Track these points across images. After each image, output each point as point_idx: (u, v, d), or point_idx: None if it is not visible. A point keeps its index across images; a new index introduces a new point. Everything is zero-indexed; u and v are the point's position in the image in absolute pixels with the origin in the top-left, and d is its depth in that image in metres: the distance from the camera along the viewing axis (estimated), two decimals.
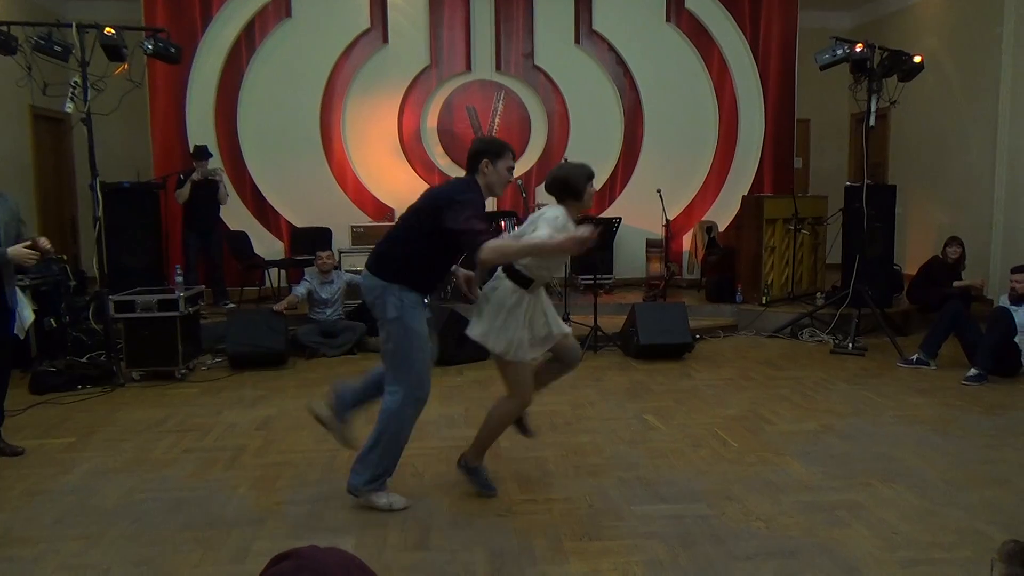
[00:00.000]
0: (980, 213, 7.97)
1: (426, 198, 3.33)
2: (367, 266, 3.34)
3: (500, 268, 3.32)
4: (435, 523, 3.18)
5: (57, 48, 5.66)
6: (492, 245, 2.97)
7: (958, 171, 8.45)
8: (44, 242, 3.95)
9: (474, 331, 3.33)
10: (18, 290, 4.12)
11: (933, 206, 8.87)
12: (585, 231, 2.94)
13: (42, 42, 5.60)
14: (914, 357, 5.84)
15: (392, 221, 8.26)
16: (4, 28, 5.63)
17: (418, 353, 3.23)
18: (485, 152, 3.25)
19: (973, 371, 5.37)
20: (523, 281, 3.24)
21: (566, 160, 7.92)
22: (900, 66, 6.59)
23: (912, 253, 8.77)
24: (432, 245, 3.20)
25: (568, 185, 3.31)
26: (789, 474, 3.68)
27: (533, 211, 7.64)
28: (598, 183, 9.02)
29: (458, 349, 6.04)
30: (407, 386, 3.23)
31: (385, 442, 3.26)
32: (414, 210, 3.30)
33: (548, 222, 3.18)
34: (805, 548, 2.92)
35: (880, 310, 6.76)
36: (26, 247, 3.87)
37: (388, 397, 3.26)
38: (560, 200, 3.33)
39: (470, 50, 8.74)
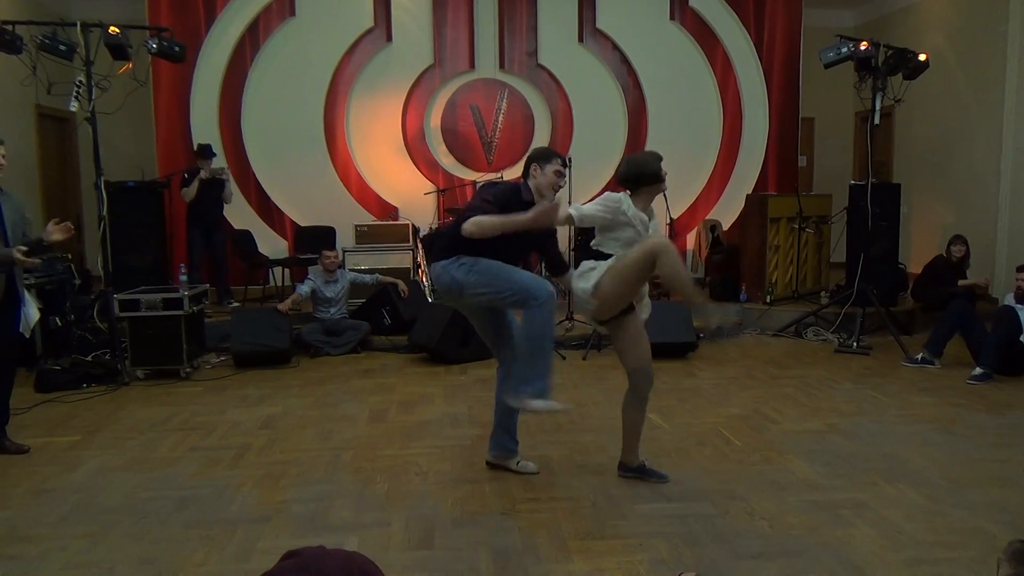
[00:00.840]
0: (985, 212, 7.95)
1: (479, 190, 3.65)
2: (428, 263, 3.53)
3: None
4: (439, 522, 3.18)
5: (62, 47, 5.67)
6: (474, 219, 3.26)
7: (963, 169, 8.42)
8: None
9: (578, 286, 3.40)
10: (24, 289, 4.13)
11: (938, 204, 8.84)
12: (547, 202, 3.19)
13: (47, 41, 5.61)
14: (919, 356, 5.83)
15: (396, 220, 8.29)
16: (9, 27, 5.64)
17: (507, 276, 3.35)
18: (534, 158, 3.54)
19: (978, 370, 5.35)
20: (602, 256, 3.38)
21: (569, 159, 7.87)
22: (905, 64, 6.57)
23: (917, 252, 8.74)
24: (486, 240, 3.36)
25: (632, 176, 3.40)
26: (793, 473, 3.67)
27: None
28: (601, 181, 9.05)
29: (461, 348, 6.05)
30: (532, 295, 3.32)
31: (538, 342, 3.37)
32: (472, 200, 3.62)
33: (598, 200, 3.35)
34: (809, 548, 2.92)
35: (885, 309, 6.75)
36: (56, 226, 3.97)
37: (525, 316, 3.37)
38: (633, 189, 3.40)
39: (474, 49, 8.73)
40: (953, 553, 2.88)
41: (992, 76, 7.90)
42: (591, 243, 3.44)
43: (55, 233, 4.00)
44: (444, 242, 3.51)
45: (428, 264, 3.49)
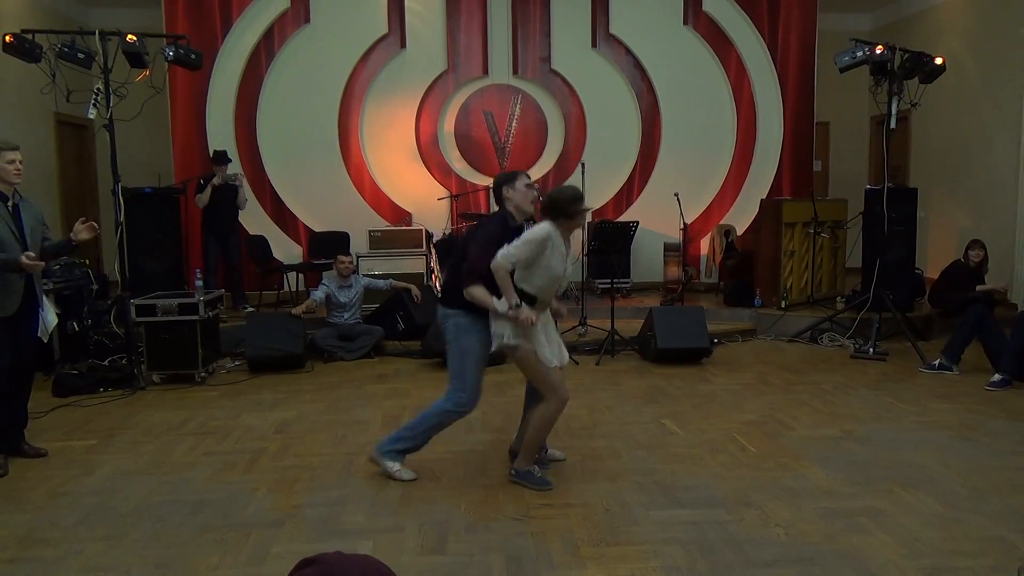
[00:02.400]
0: (1003, 216, 7.87)
1: (467, 236, 3.89)
2: (439, 300, 3.89)
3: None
4: (452, 527, 3.18)
5: (80, 55, 5.74)
6: (470, 291, 3.53)
7: (980, 173, 8.34)
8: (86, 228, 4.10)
9: (496, 340, 3.56)
10: (42, 294, 4.17)
11: (955, 209, 8.76)
12: (525, 315, 3.40)
13: (66, 49, 5.68)
14: (936, 362, 5.77)
15: (409, 225, 8.32)
16: (29, 36, 5.73)
17: (470, 370, 3.67)
18: (500, 183, 3.72)
19: (997, 376, 5.29)
20: (528, 299, 3.49)
21: (583, 164, 7.91)
22: (921, 68, 6.52)
23: (934, 257, 8.67)
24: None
25: (556, 206, 3.53)
26: (809, 480, 3.64)
27: None
28: (615, 186, 9.04)
29: None
30: (458, 392, 3.67)
31: (423, 427, 3.74)
32: (464, 244, 3.83)
33: (522, 238, 3.47)
34: (825, 555, 2.89)
35: (901, 314, 6.69)
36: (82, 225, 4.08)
37: (444, 396, 3.72)
38: (553, 219, 3.52)
39: (487, 54, 8.76)
40: (971, 561, 2.84)
41: (1009, 79, 7.83)
42: (521, 286, 3.49)
43: (83, 232, 4.08)
44: (449, 289, 3.78)
45: (441, 290, 3.72)
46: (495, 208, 3.90)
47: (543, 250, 3.44)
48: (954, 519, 3.19)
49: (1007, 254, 7.58)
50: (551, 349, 3.61)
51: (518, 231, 3.62)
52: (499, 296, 3.48)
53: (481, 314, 3.61)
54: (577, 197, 3.55)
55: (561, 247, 3.54)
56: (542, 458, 3.87)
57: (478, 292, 3.52)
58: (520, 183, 3.67)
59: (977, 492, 3.47)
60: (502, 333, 3.51)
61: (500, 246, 3.48)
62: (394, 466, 3.74)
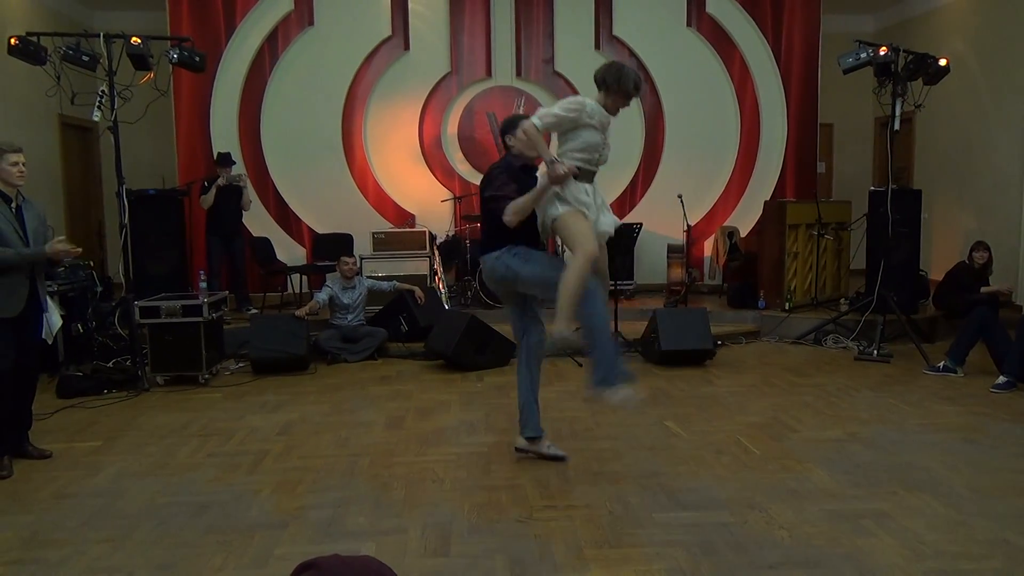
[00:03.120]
0: (1008, 218, 7.84)
1: (481, 189, 3.92)
2: (480, 254, 3.89)
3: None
4: (455, 529, 3.18)
5: (85, 58, 5.76)
6: (509, 207, 3.55)
7: (985, 175, 8.32)
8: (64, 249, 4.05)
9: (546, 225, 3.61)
10: (46, 296, 4.18)
11: (959, 210, 8.74)
12: (562, 167, 3.39)
13: (71, 52, 5.70)
14: (941, 364, 5.75)
15: (413, 227, 8.32)
16: (34, 39, 5.75)
17: (556, 272, 3.47)
18: (504, 130, 3.86)
19: (1002, 378, 5.27)
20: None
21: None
22: (925, 69, 6.51)
23: (938, 258, 8.65)
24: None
25: (603, 77, 3.58)
26: (813, 482, 3.63)
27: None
28: (618, 188, 9.04)
29: (478, 355, 6.05)
30: (575, 262, 3.44)
31: (597, 332, 3.46)
32: (481, 203, 3.91)
33: (558, 103, 3.57)
34: (829, 558, 2.89)
35: (905, 316, 6.67)
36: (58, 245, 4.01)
37: (584, 309, 3.43)
38: (601, 89, 3.58)
39: (490, 56, 8.77)
40: (976, 564, 2.83)
41: (1014, 81, 7.81)
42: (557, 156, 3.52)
43: (59, 252, 3.99)
44: (490, 234, 3.78)
45: (480, 254, 3.80)
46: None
47: (578, 115, 3.47)
48: (959, 521, 3.18)
49: (1012, 256, 7.55)
50: (596, 212, 3.56)
51: (524, 168, 3.76)
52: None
53: (520, 242, 3.64)
54: (626, 72, 3.57)
55: (602, 118, 3.57)
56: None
57: (517, 203, 3.55)
58: (520, 130, 3.73)
59: (982, 494, 3.46)
60: (552, 216, 3.51)
61: (514, 177, 3.65)
62: (627, 390, 3.39)
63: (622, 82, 3.56)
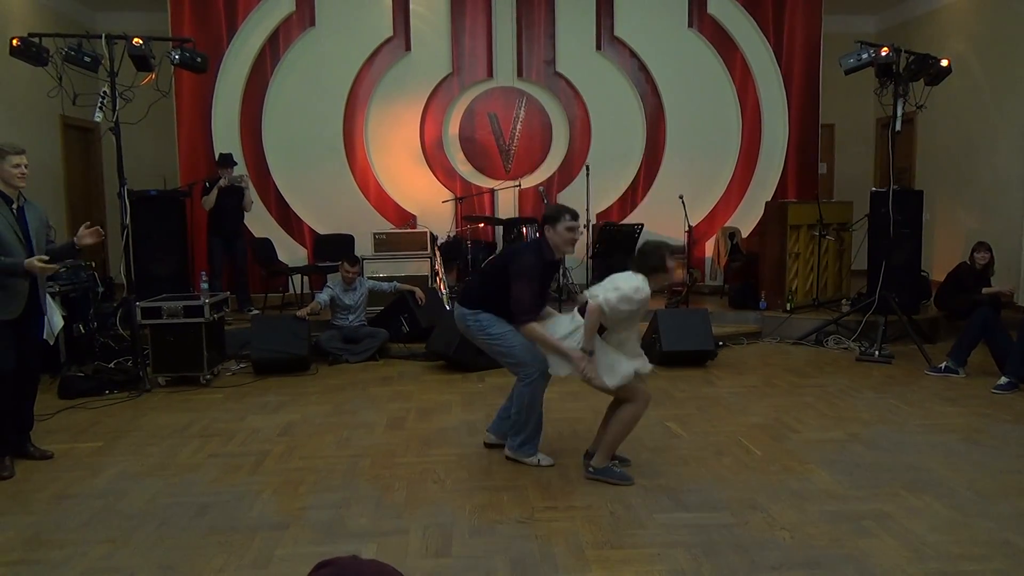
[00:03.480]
0: (1009, 218, 7.84)
1: (504, 253, 4.17)
2: (457, 301, 4.07)
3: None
4: (457, 530, 3.18)
5: (87, 59, 5.77)
6: (528, 328, 3.70)
7: (987, 175, 8.31)
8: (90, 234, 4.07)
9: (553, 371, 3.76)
10: (48, 296, 4.19)
11: (961, 211, 8.73)
12: (588, 370, 3.54)
13: (72, 53, 5.71)
14: (942, 365, 5.75)
15: (414, 228, 8.33)
16: (36, 40, 5.75)
17: (513, 345, 3.84)
18: (546, 220, 3.86)
19: (1004, 379, 5.27)
20: (600, 331, 3.63)
21: (587, 167, 7.93)
22: (927, 70, 6.50)
23: (940, 259, 8.64)
24: (506, 290, 3.77)
25: (647, 258, 3.60)
26: (814, 483, 3.63)
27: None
28: (619, 189, 9.05)
29: (479, 356, 6.04)
30: (524, 369, 3.86)
31: (527, 412, 3.88)
32: (497, 260, 4.14)
33: (623, 295, 3.50)
34: (831, 559, 2.88)
35: (907, 317, 6.67)
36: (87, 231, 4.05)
37: (517, 385, 3.91)
38: (642, 272, 3.57)
39: (492, 57, 8.77)
40: (978, 566, 2.83)
41: (1015, 81, 7.80)
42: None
43: (86, 237, 4.08)
44: (472, 293, 4.01)
45: (455, 296, 4.06)
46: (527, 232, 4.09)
47: (640, 307, 3.54)
48: (960, 523, 3.18)
49: (1014, 256, 7.55)
50: (628, 361, 3.62)
51: (553, 264, 3.87)
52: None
53: (501, 314, 3.83)
54: (663, 250, 3.59)
55: (645, 300, 3.56)
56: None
57: (537, 330, 3.69)
58: (562, 226, 3.76)
59: (984, 495, 3.46)
60: (557, 368, 3.69)
61: (541, 272, 3.77)
62: (533, 459, 3.92)
63: (660, 259, 3.57)
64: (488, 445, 4.18)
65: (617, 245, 6.71)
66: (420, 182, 8.77)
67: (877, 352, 6.30)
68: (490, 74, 8.80)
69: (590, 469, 3.72)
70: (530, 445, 3.93)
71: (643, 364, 3.70)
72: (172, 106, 8.08)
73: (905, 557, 2.88)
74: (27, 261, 3.81)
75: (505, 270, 3.80)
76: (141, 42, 5.85)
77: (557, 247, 3.80)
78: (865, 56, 6.37)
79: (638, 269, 3.57)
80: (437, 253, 7.84)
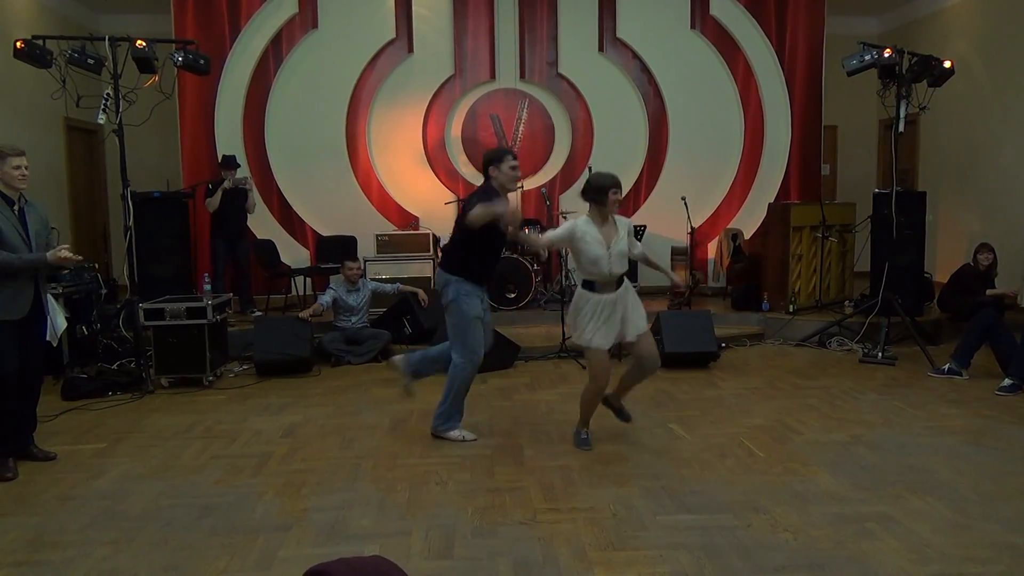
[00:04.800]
0: (1013, 219, 7.82)
1: (463, 207, 4.38)
2: (439, 264, 4.41)
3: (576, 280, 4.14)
4: (459, 532, 3.18)
5: (90, 61, 5.78)
6: (471, 213, 3.97)
7: (990, 177, 8.30)
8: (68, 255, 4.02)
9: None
10: (51, 298, 4.20)
11: (964, 213, 8.72)
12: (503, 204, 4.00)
13: (76, 55, 5.72)
14: (946, 367, 5.74)
15: (416, 230, 8.33)
16: (39, 42, 5.77)
17: (470, 329, 4.19)
18: (488, 161, 4.22)
19: (1007, 381, 5.25)
20: (587, 285, 3.98)
21: (590, 169, 7.93)
22: (929, 71, 6.49)
23: (943, 260, 8.62)
24: (473, 243, 4.12)
25: (585, 191, 4.00)
26: (817, 485, 3.62)
27: (557, 220, 7.71)
28: (623, 190, 9.03)
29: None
30: (463, 353, 4.23)
31: (453, 394, 4.30)
32: (458, 218, 4.34)
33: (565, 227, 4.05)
34: (834, 561, 2.88)
35: (910, 319, 6.65)
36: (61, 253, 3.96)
37: (453, 361, 4.26)
38: (591, 206, 3.98)
39: (494, 59, 8.78)
40: (982, 568, 2.82)
41: (1019, 82, 7.79)
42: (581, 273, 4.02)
43: (63, 251, 3.93)
44: (447, 258, 4.34)
45: (444, 268, 4.33)
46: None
47: (570, 239, 3.93)
48: (964, 525, 3.17)
49: (1017, 257, 7.52)
50: (602, 332, 3.95)
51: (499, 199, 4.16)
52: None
53: (478, 281, 4.22)
54: (601, 185, 3.92)
55: (594, 232, 3.91)
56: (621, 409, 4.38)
57: (477, 210, 3.96)
58: (506, 164, 4.15)
59: (988, 498, 3.45)
60: (584, 343, 4.02)
61: (492, 205, 4.03)
62: (456, 434, 4.31)
63: (598, 184, 3.94)
64: (436, 436, 4.41)
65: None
66: (422, 184, 8.77)
67: (880, 354, 6.29)
68: (492, 76, 8.80)
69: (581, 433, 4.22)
70: (452, 422, 4.33)
71: (604, 342, 3.97)
72: (175, 108, 8.09)
73: (908, 559, 2.87)
74: (51, 253, 3.88)
75: (458, 228, 4.23)
76: (144, 44, 5.87)
77: (503, 186, 4.17)
78: (868, 57, 6.36)
79: (583, 197, 4.00)
80: (439, 254, 7.84)
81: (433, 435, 4.36)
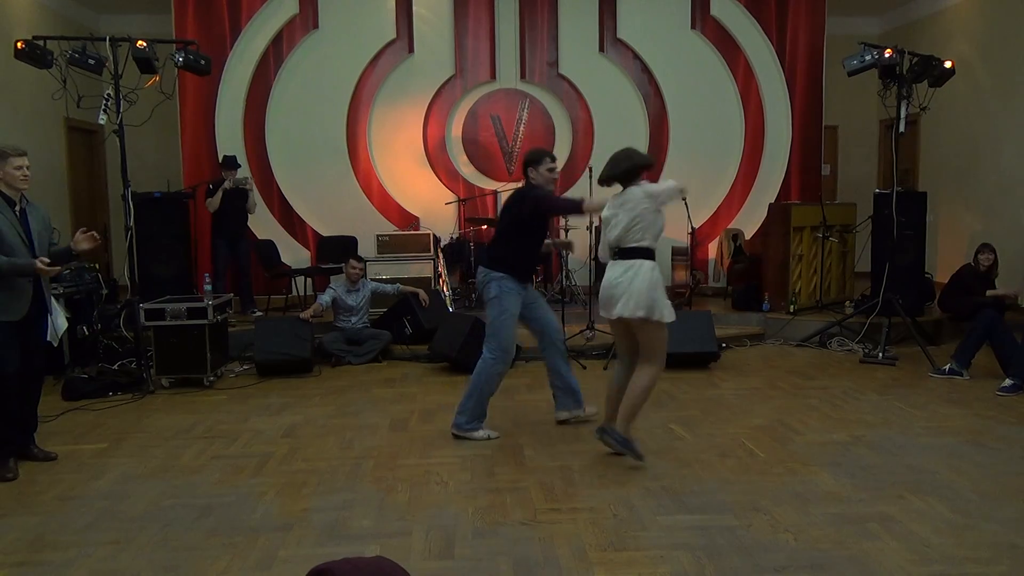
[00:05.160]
0: (1013, 220, 7.82)
1: (507, 206, 4.42)
2: (482, 262, 4.46)
3: (622, 257, 3.89)
4: (459, 532, 3.18)
5: (91, 61, 5.78)
6: (589, 202, 4.27)
7: (990, 177, 8.30)
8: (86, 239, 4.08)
9: (626, 309, 3.77)
10: (52, 298, 4.20)
11: (965, 213, 8.71)
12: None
13: (76, 55, 5.72)
14: (946, 367, 5.73)
15: (417, 230, 8.33)
16: (40, 42, 5.77)
17: (507, 327, 4.26)
18: (528, 163, 4.31)
19: (1008, 381, 5.25)
20: (653, 255, 3.91)
21: (591, 169, 7.93)
22: (930, 72, 6.49)
23: (943, 261, 8.62)
24: (523, 241, 4.27)
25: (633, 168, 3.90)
26: (818, 485, 3.62)
27: (557, 221, 7.69)
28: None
29: None
30: (495, 350, 4.27)
31: (478, 392, 4.30)
32: (504, 217, 4.41)
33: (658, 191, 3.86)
34: (835, 561, 2.88)
35: (911, 319, 6.65)
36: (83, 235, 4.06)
37: (484, 356, 4.30)
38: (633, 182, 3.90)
39: (495, 59, 8.78)
40: (983, 568, 2.82)
41: (1019, 82, 7.79)
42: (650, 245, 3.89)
43: (83, 242, 4.08)
44: (491, 254, 4.44)
45: (482, 266, 4.44)
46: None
47: (657, 208, 3.91)
48: (965, 525, 3.17)
49: (1018, 258, 7.53)
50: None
51: None
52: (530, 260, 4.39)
53: (521, 279, 4.28)
54: (642, 163, 3.93)
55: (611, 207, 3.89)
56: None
57: (597, 200, 4.15)
58: (544, 166, 4.25)
59: (988, 498, 3.45)
60: (659, 316, 3.80)
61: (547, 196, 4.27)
62: (482, 434, 4.33)
63: (645, 162, 3.96)
64: (561, 422, 4.56)
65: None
66: (423, 184, 8.77)
67: (881, 354, 6.29)
68: (493, 76, 8.81)
69: (617, 437, 3.86)
70: (477, 421, 4.34)
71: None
72: (176, 108, 8.10)
73: (909, 560, 2.87)
74: (37, 262, 3.83)
75: (507, 226, 4.31)
76: (145, 44, 5.87)
77: (541, 187, 4.26)
78: (869, 58, 6.36)
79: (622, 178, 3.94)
80: (440, 255, 7.84)
81: (454, 435, 4.35)
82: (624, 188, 3.88)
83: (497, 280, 4.24)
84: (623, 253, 3.86)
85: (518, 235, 4.28)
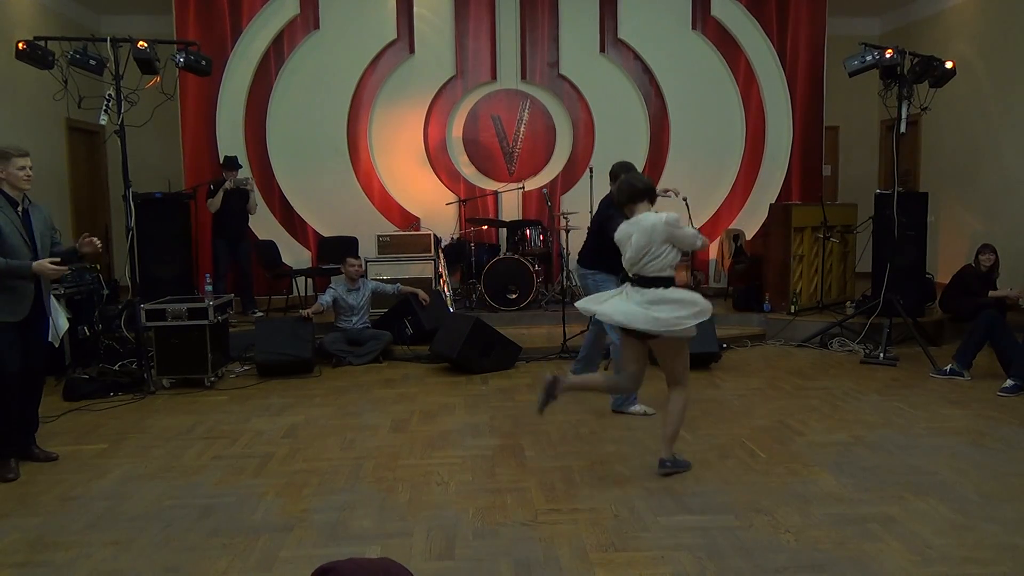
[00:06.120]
0: (1014, 220, 7.82)
1: (597, 215, 4.88)
2: (577, 261, 5.00)
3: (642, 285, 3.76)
4: (460, 533, 3.17)
5: (92, 62, 5.79)
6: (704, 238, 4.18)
7: (991, 177, 8.29)
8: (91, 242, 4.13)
9: (661, 319, 3.63)
10: (53, 298, 4.20)
11: (966, 213, 8.71)
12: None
13: (78, 56, 5.73)
14: (947, 368, 5.73)
15: (418, 230, 8.34)
16: (41, 43, 5.78)
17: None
18: (614, 173, 4.60)
19: (1009, 382, 5.25)
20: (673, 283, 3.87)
21: (591, 170, 7.94)
22: (931, 72, 6.49)
23: (944, 261, 8.62)
24: (609, 243, 4.11)
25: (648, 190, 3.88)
26: (819, 486, 3.62)
27: (559, 221, 7.69)
28: None
29: (483, 358, 6.05)
30: (612, 332, 4.36)
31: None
32: (593, 225, 4.89)
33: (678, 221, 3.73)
34: (836, 562, 2.87)
35: (912, 319, 6.65)
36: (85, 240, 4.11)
37: (613, 341, 4.50)
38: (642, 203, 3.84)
39: (495, 60, 8.78)
40: (984, 569, 2.81)
41: (1020, 83, 7.79)
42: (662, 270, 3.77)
43: (84, 247, 4.11)
44: (586, 254, 4.90)
45: (577, 264, 4.99)
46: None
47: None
48: (966, 526, 3.17)
49: (1019, 258, 7.52)
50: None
51: None
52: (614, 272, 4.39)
53: (612, 271, 4.50)
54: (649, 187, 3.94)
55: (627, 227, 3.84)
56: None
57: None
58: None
59: (990, 498, 3.44)
60: (687, 328, 3.72)
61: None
62: (638, 408, 4.77)
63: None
64: (616, 411, 4.83)
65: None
66: (424, 184, 8.78)
67: (882, 355, 6.28)
68: (494, 76, 8.81)
69: (667, 463, 3.79)
70: (632, 398, 4.74)
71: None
72: (177, 109, 8.11)
73: (910, 560, 2.87)
74: (36, 264, 3.84)
75: (602, 229, 4.52)
76: (146, 45, 5.88)
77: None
78: (869, 58, 6.36)
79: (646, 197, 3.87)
80: (441, 255, 7.84)
81: (614, 411, 4.82)
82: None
83: (591, 275, 4.82)
84: (642, 281, 3.75)
85: (606, 239, 4.28)
